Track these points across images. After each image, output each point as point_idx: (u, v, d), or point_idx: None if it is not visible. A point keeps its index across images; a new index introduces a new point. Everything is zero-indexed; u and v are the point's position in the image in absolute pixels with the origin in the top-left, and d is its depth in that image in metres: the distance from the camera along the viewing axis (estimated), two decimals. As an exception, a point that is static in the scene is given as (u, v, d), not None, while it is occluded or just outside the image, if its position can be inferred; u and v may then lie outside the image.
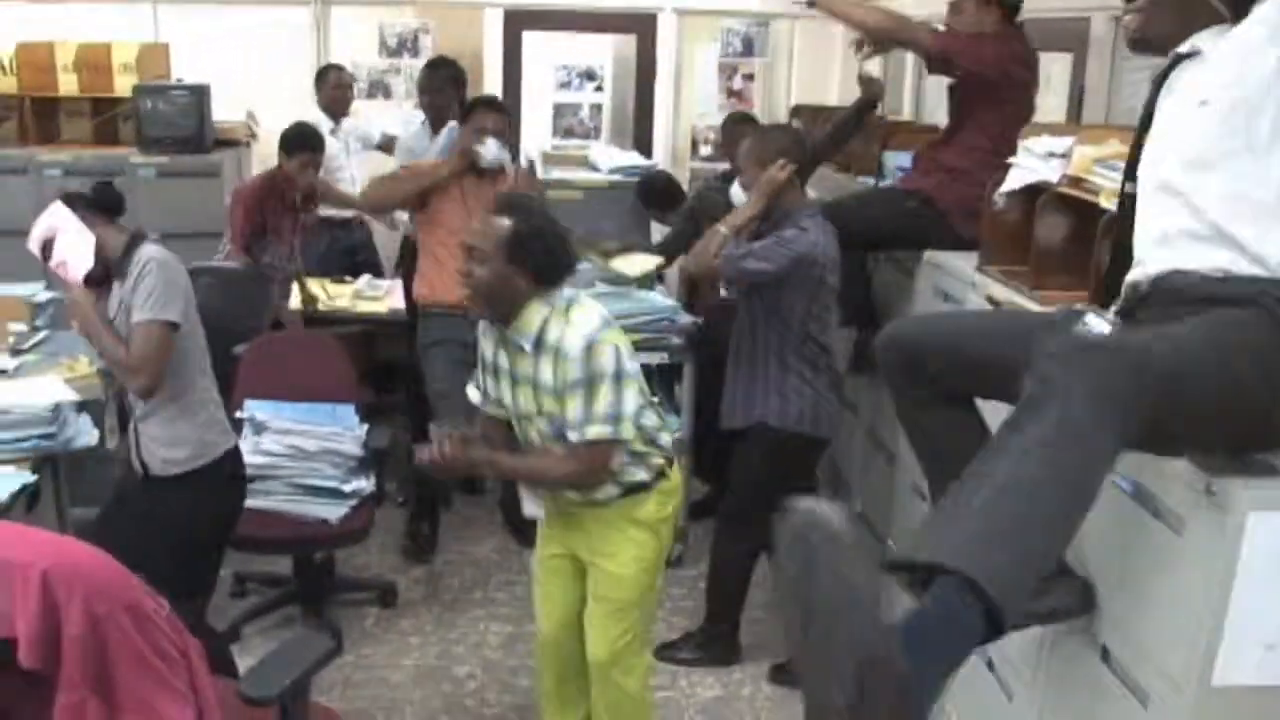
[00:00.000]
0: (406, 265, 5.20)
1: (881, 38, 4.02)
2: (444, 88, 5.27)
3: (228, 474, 3.32)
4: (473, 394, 3.14)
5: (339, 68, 6.28)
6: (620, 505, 2.97)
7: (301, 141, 4.97)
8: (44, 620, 1.93)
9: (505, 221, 2.77)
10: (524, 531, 4.83)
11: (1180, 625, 2.06)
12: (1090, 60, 4.24)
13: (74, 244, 3.19)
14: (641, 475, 2.97)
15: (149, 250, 3.16)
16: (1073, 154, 3.08)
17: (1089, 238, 3.00)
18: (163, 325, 3.07)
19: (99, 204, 3.27)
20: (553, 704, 3.27)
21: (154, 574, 3.13)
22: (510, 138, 4.63)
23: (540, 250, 2.77)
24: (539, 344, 2.81)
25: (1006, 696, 2.79)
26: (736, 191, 3.86)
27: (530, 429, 2.95)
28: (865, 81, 4.64)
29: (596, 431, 2.78)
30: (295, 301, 5.33)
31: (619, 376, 2.78)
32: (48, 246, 3.22)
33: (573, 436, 2.81)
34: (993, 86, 3.82)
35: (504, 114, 4.50)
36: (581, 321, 2.80)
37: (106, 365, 3.39)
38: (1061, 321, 2.18)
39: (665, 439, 3.04)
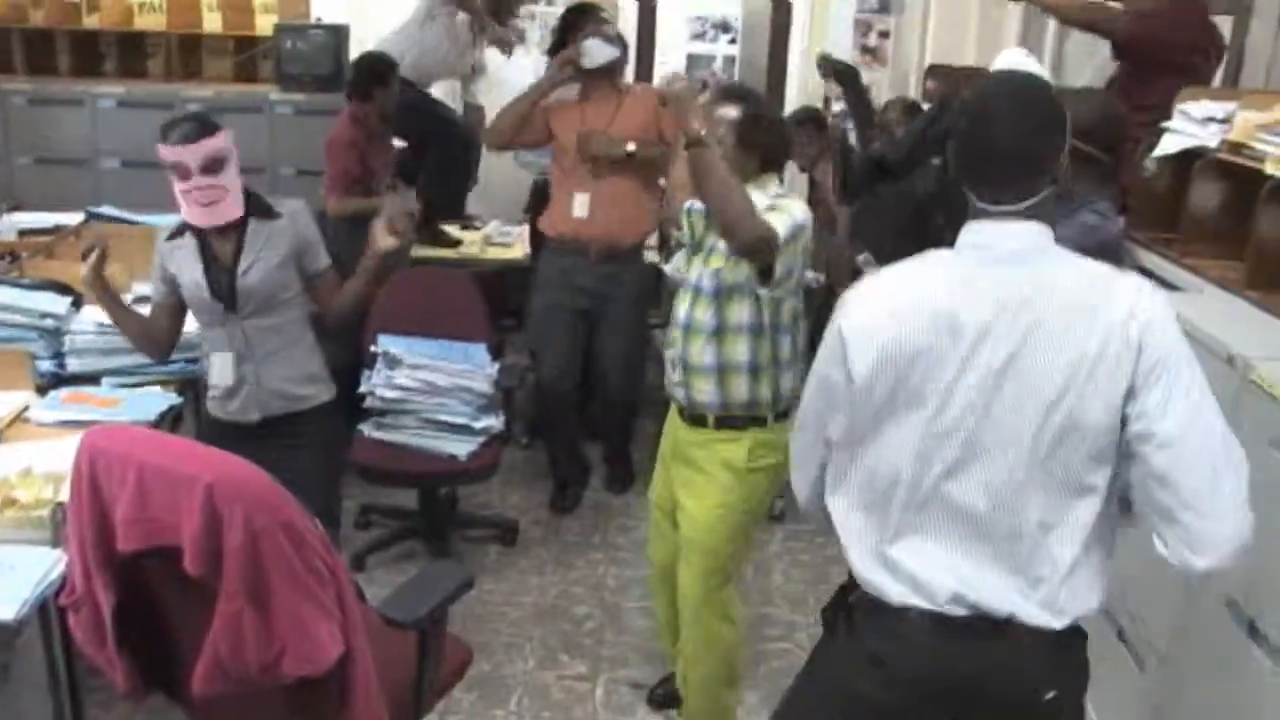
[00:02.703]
0: (533, 209, 5.24)
1: (1071, 25, 4.14)
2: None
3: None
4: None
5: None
6: (715, 442, 3.01)
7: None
8: (207, 530, 2.00)
9: (733, 110, 2.91)
10: (622, 481, 4.98)
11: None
12: (1254, 22, 4.09)
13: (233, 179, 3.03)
14: (744, 400, 2.96)
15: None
16: (1235, 119, 3.00)
17: (1245, 207, 2.93)
18: None
19: None
20: (668, 634, 3.39)
21: (318, 503, 3.21)
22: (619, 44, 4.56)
23: (766, 134, 2.94)
24: None
25: (1138, 667, 2.76)
26: None
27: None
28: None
29: (774, 221, 2.71)
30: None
31: (795, 235, 2.77)
32: (217, 165, 2.96)
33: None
34: (1156, 65, 3.69)
35: (599, 19, 4.50)
36: (793, 204, 2.86)
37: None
38: None
39: (788, 385, 3.00)
